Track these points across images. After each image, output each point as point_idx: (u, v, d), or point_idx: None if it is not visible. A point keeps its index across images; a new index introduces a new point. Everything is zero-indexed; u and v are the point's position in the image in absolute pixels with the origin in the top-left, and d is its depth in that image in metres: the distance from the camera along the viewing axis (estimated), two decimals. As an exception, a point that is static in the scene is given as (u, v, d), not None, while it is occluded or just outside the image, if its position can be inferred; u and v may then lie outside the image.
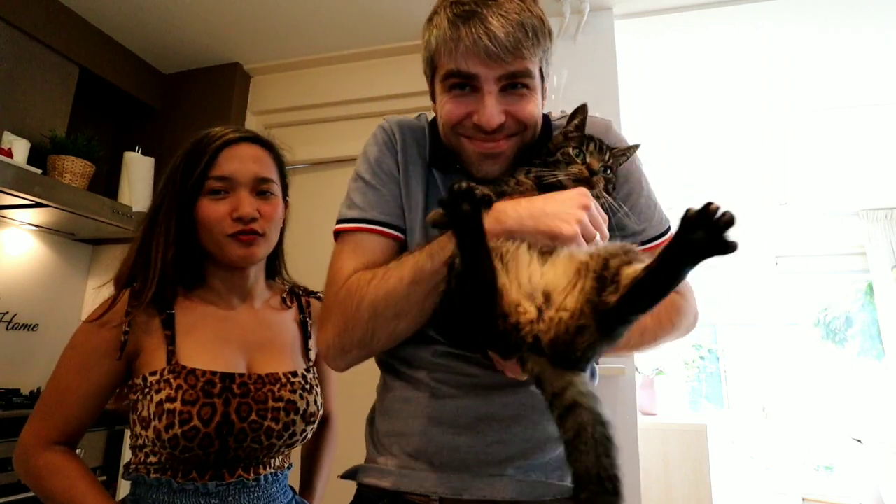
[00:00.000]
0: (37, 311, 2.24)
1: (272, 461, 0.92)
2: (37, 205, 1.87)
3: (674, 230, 0.83)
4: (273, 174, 1.00)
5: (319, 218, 2.48)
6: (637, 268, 0.56)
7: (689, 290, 0.85)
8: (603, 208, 0.70)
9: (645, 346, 0.80)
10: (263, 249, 0.97)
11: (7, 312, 2.14)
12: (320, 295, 1.12)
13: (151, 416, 0.83)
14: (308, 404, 0.94)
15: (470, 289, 0.59)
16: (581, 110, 0.77)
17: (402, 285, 0.70)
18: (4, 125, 1.95)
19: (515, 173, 0.76)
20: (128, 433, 0.96)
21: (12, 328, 2.15)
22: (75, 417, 0.87)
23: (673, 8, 2.10)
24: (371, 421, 0.86)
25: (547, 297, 0.61)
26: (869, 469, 3.87)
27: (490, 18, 0.70)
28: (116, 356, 0.87)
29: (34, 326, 2.23)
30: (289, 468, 0.98)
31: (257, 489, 0.89)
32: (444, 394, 0.76)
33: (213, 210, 0.91)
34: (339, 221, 0.85)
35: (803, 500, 4.10)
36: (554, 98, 1.90)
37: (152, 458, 0.85)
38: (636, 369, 2.04)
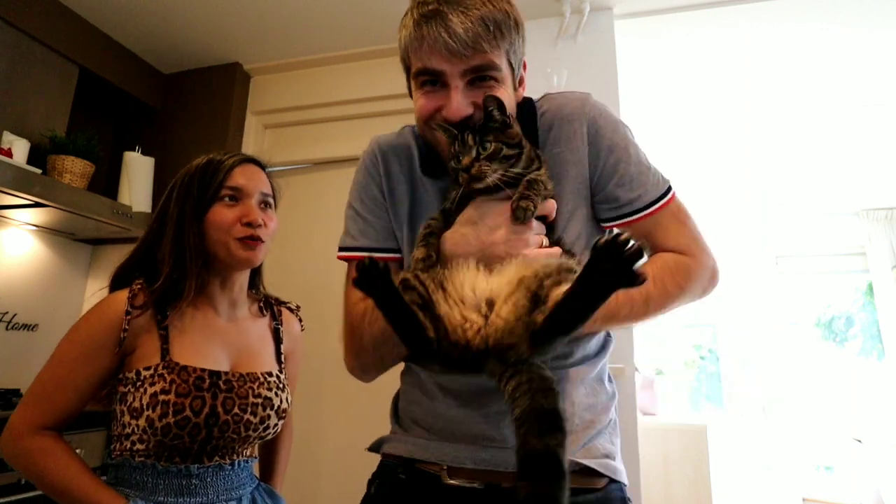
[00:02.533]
0: (37, 311, 2.24)
1: (244, 451, 1.06)
2: (37, 205, 1.87)
3: (674, 190, 0.86)
4: (270, 191, 1.15)
5: (320, 218, 2.48)
6: (563, 290, 0.59)
7: (701, 249, 0.84)
8: (511, 181, 0.73)
9: (652, 313, 0.81)
10: (262, 254, 1.10)
11: (7, 312, 2.14)
12: (290, 305, 1.26)
13: (144, 407, 0.93)
14: (281, 401, 1.08)
15: (407, 340, 0.65)
16: (442, 127, 0.78)
17: (389, 329, 0.73)
18: (4, 125, 1.95)
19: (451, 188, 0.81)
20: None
21: (12, 328, 2.15)
22: (69, 405, 0.95)
23: (673, 8, 2.10)
24: (395, 400, 0.95)
25: (490, 304, 0.66)
26: (869, 469, 3.87)
27: (450, 16, 0.73)
28: (115, 350, 0.96)
29: (34, 326, 2.23)
30: (254, 459, 1.11)
31: (231, 472, 1.02)
32: (450, 374, 0.82)
33: (226, 214, 1.05)
34: (339, 249, 0.95)
35: (803, 500, 4.10)
36: (554, 98, 1.90)
37: (139, 446, 0.94)
38: (636, 369, 2.03)
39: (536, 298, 0.62)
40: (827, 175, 3.69)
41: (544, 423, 0.57)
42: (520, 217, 0.71)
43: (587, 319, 0.59)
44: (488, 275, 0.69)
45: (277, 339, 1.18)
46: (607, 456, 0.81)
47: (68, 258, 2.36)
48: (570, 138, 0.84)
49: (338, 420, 2.22)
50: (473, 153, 0.73)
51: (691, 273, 0.82)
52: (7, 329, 2.14)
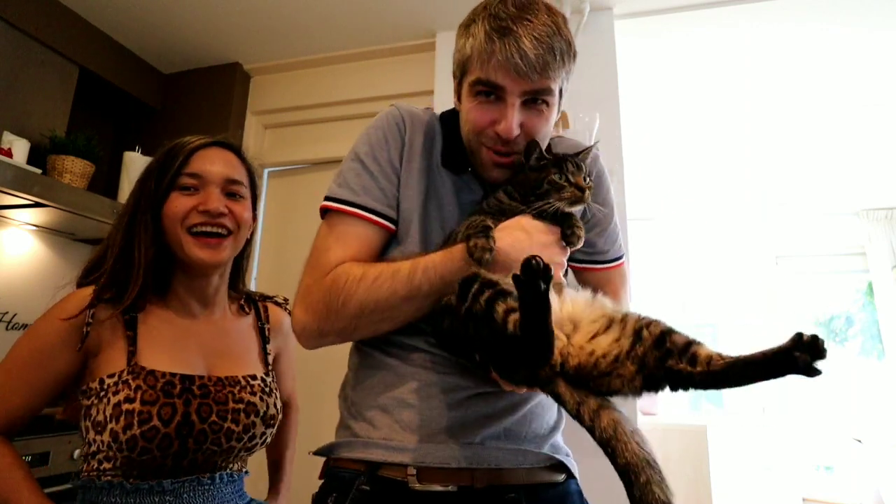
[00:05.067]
0: (37, 311, 2.22)
1: (228, 464, 0.93)
2: (37, 205, 1.86)
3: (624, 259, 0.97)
4: (243, 178, 1.01)
5: (319, 218, 2.48)
6: (710, 351, 0.62)
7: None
8: (584, 218, 0.82)
9: None
10: (229, 252, 0.97)
11: (7, 312, 2.14)
12: (277, 299, 1.14)
13: (108, 419, 0.82)
14: (268, 407, 0.96)
15: (527, 344, 0.62)
16: (532, 145, 0.81)
17: (395, 298, 0.75)
18: (4, 125, 1.94)
19: (498, 195, 0.84)
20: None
21: (12, 328, 2.15)
22: (21, 409, 0.86)
23: (673, 8, 2.10)
24: (346, 397, 0.89)
25: (575, 325, 0.68)
26: (869, 469, 3.87)
27: (524, 38, 0.75)
28: (76, 347, 0.86)
29: (34, 326, 2.23)
30: (245, 473, 0.98)
31: (212, 487, 0.89)
32: (440, 371, 0.80)
33: (180, 203, 0.92)
34: (328, 198, 0.87)
35: (803, 500, 4.10)
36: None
37: (106, 465, 0.84)
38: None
39: (640, 337, 0.64)
40: (827, 175, 3.69)
41: (659, 474, 0.61)
42: (573, 243, 0.77)
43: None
44: (559, 297, 0.71)
45: (263, 339, 1.07)
46: (567, 454, 0.87)
47: (68, 258, 2.36)
48: None
49: (337, 421, 2.21)
50: (584, 178, 0.79)
51: None
52: (7, 329, 2.14)
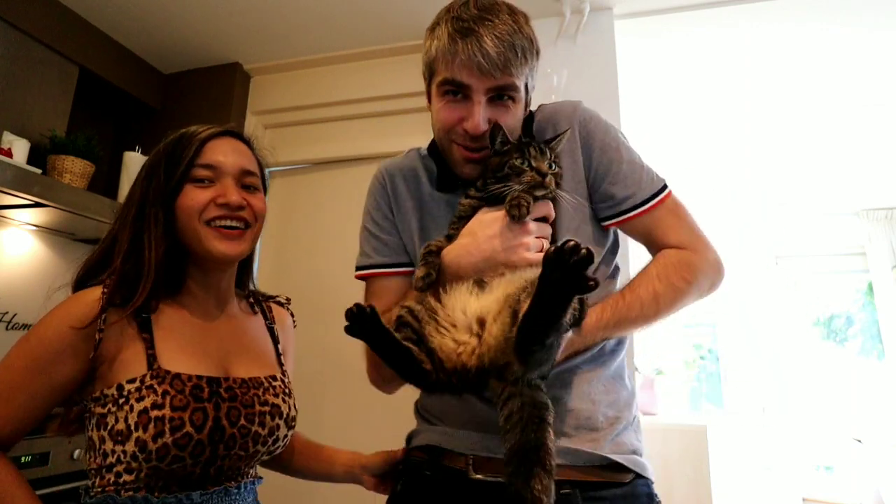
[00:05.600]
0: (37, 311, 2.23)
1: (249, 470, 0.90)
2: (37, 205, 1.86)
3: (670, 188, 0.90)
4: (256, 169, 0.96)
5: (319, 218, 2.48)
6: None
7: (703, 243, 0.88)
8: (555, 201, 0.80)
9: (666, 310, 0.84)
10: (248, 245, 0.93)
11: (7, 312, 2.14)
12: (280, 299, 1.12)
13: (132, 428, 0.76)
14: (290, 408, 0.93)
15: (406, 376, 0.69)
16: (496, 128, 0.82)
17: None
18: (4, 125, 1.94)
19: (461, 199, 0.86)
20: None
21: (12, 328, 2.15)
22: (19, 420, 0.78)
23: (673, 8, 2.10)
24: (418, 401, 0.99)
25: (482, 323, 0.68)
26: (869, 469, 3.87)
27: (485, 37, 0.78)
28: (86, 356, 0.79)
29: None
30: (260, 480, 0.95)
31: (238, 497, 0.86)
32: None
33: (197, 196, 0.87)
34: (356, 269, 1.01)
35: (803, 500, 4.10)
36: (554, 98, 1.90)
37: (126, 477, 0.77)
38: (636, 369, 2.03)
39: (515, 315, 0.63)
40: (827, 175, 3.69)
41: (531, 462, 0.60)
42: (514, 215, 0.74)
43: (557, 328, 0.60)
44: (479, 294, 0.72)
45: (274, 339, 1.03)
46: (634, 452, 0.84)
47: (68, 258, 2.36)
48: (564, 142, 0.89)
49: (338, 421, 2.21)
50: (547, 164, 0.79)
51: (695, 267, 0.85)
52: (7, 329, 2.13)
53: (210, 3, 2.18)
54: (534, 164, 0.78)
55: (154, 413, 0.76)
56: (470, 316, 0.69)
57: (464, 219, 0.83)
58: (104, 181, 2.45)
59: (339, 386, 2.21)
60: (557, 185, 0.81)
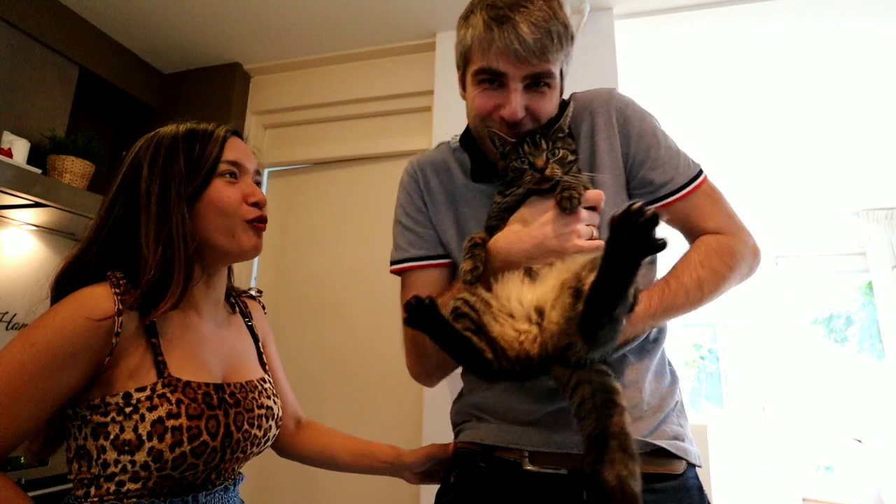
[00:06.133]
0: (37, 312, 2.24)
1: (240, 467, 0.92)
2: (37, 205, 1.86)
3: (705, 173, 0.90)
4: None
5: (320, 218, 2.48)
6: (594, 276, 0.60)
7: (740, 227, 0.89)
8: (573, 188, 0.78)
9: (709, 296, 0.86)
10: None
11: (7, 312, 2.14)
12: (251, 292, 1.10)
13: (144, 437, 0.74)
14: (278, 409, 0.95)
15: (469, 366, 0.68)
16: (491, 134, 0.83)
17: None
18: (4, 125, 1.94)
19: (495, 196, 0.86)
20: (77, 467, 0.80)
21: (12, 328, 2.15)
22: (20, 431, 0.72)
23: (673, 8, 2.10)
24: (459, 399, 0.98)
25: (540, 311, 0.68)
26: (869, 469, 3.87)
27: (521, 24, 0.78)
28: (100, 358, 0.75)
29: (34, 326, 2.23)
30: (242, 477, 0.95)
31: (233, 493, 0.89)
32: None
33: (228, 192, 0.86)
34: (392, 263, 1.00)
35: (803, 500, 4.10)
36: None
37: (131, 486, 0.75)
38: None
39: (578, 293, 0.63)
40: (827, 175, 3.68)
41: (613, 448, 0.59)
42: (566, 207, 0.75)
43: (625, 299, 0.59)
44: (532, 284, 0.72)
45: (254, 337, 1.03)
46: (676, 437, 0.84)
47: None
48: (602, 129, 0.90)
49: (338, 421, 2.21)
50: (544, 156, 0.78)
51: (735, 252, 0.86)
52: (7, 329, 2.13)
53: (210, 3, 2.18)
54: (532, 160, 0.78)
55: (171, 423, 0.75)
56: (527, 306, 0.70)
57: (510, 210, 0.82)
58: (104, 181, 2.44)
59: (339, 386, 2.21)
60: (571, 164, 0.80)
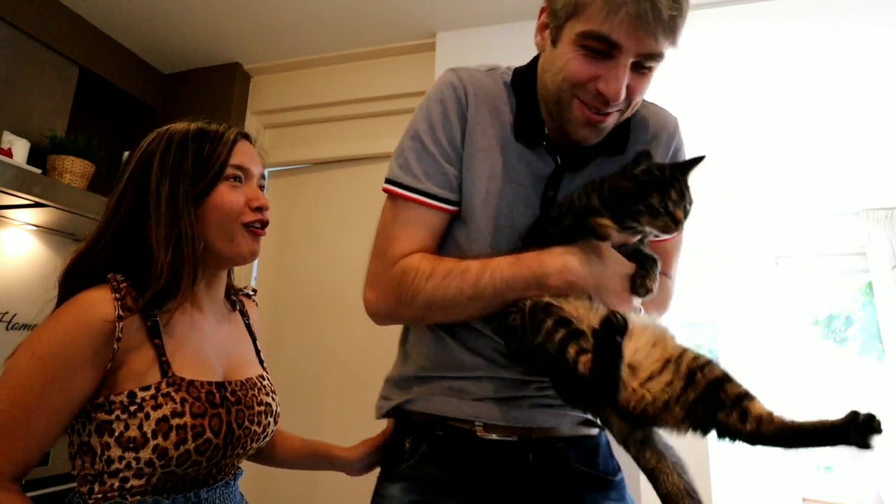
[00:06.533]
0: (37, 312, 2.23)
1: (239, 463, 0.94)
2: (37, 205, 1.86)
3: None
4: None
5: (320, 218, 2.48)
6: (762, 410, 0.62)
7: (676, 273, 0.97)
8: (650, 277, 0.78)
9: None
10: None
11: (7, 312, 2.14)
12: (247, 291, 1.11)
13: (149, 435, 0.75)
14: (276, 405, 0.97)
15: (596, 388, 0.66)
16: (644, 156, 0.76)
17: (461, 297, 0.77)
18: (4, 125, 1.94)
19: (590, 193, 0.76)
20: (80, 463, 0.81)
21: (12, 328, 2.15)
22: (38, 444, 0.73)
23: (673, 8, 2.10)
24: (397, 369, 0.94)
25: (633, 369, 0.67)
26: (869, 469, 3.87)
27: None
28: (105, 362, 0.75)
29: (34, 327, 2.23)
30: (241, 472, 0.96)
31: (234, 487, 0.90)
32: (500, 363, 0.84)
33: (233, 197, 0.87)
34: (392, 181, 0.84)
35: (803, 500, 4.10)
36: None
37: (135, 483, 0.76)
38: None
39: (692, 385, 0.65)
40: (827, 175, 3.68)
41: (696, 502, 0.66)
42: (638, 293, 0.76)
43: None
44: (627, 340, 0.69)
45: (252, 336, 1.04)
46: None
47: (68, 259, 2.36)
48: (657, 148, 0.90)
49: (337, 420, 2.21)
50: (683, 209, 0.74)
51: (671, 297, 0.96)
52: (7, 329, 2.13)
53: (210, 3, 2.18)
54: (671, 208, 0.71)
55: (175, 421, 0.76)
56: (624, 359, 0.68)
57: (578, 232, 0.76)
58: (104, 181, 2.44)
59: (339, 385, 2.21)
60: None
